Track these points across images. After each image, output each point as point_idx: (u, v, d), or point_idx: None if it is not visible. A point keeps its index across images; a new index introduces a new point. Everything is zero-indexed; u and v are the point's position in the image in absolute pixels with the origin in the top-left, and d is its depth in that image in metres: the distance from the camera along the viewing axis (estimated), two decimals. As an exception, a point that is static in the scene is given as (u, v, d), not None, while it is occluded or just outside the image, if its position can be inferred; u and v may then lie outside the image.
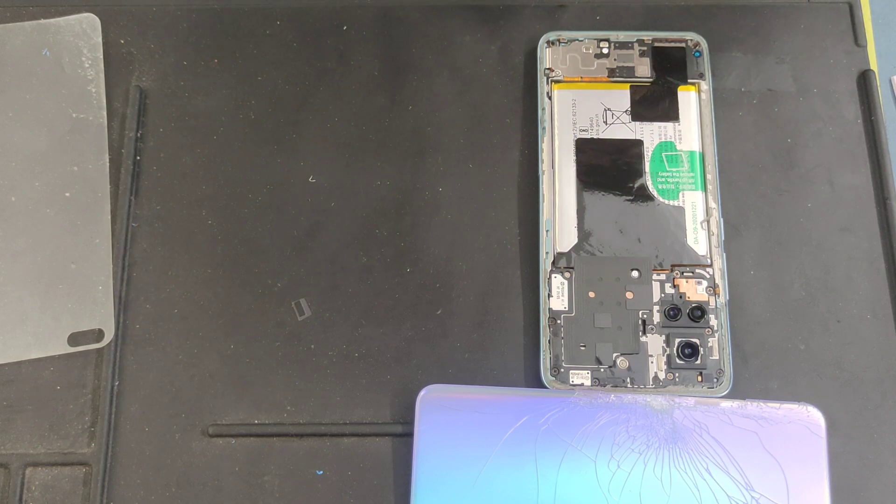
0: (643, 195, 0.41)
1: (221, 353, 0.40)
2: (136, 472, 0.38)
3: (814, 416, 0.37)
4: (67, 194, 0.42)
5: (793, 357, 0.40)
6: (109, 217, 0.41)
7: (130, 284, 0.41)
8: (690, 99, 0.42)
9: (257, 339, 0.40)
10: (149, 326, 0.40)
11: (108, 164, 0.42)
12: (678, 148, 0.41)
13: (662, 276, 0.40)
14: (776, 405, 0.37)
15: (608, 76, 0.42)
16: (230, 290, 0.40)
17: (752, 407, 0.37)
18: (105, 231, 0.41)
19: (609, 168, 0.41)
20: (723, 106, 0.43)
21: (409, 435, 0.37)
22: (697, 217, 0.40)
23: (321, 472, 0.38)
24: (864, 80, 0.43)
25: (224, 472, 0.38)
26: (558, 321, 0.39)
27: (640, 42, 0.43)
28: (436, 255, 0.41)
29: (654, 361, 0.39)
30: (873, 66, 0.44)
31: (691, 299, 0.39)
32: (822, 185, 0.42)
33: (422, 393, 0.37)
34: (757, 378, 0.39)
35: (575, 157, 0.41)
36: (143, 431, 0.39)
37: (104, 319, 0.40)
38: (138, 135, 0.43)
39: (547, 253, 0.40)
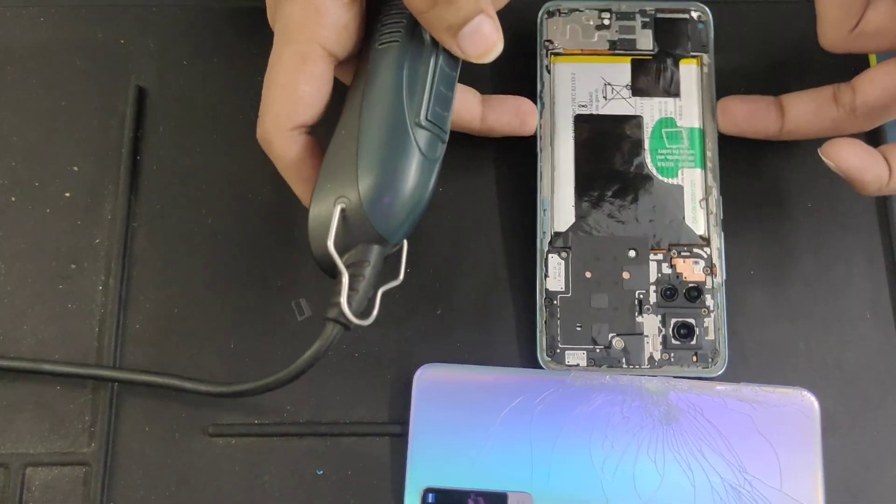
0: (642, 173, 0.40)
1: (221, 352, 0.40)
2: (136, 472, 0.38)
3: (808, 401, 0.37)
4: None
5: (792, 357, 0.40)
6: (109, 217, 0.41)
7: (130, 284, 0.41)
8: (692, 73, 0.41)
9: (257, 339, 0.40)
10: (149, 326, 0.40)
11: (108, 164, 0.42)
12: (679, 124, 0.41)
13: (660, 256, 0.39)
14: (770, 389, 0.37)
15: (609, 49, 0.42)
16: (230, 290, 0.40)
17: (747, 390, 0.37)
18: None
19: (608, 145, 0.41)
20: (723, 106, 0.43)
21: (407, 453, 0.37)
22: (696, 195, 0.40)
23: (321, 472, 0.38)
24: (864, 80, 0.43)
25: (224, 472, 0.38)
26: (555, 302, 0.39)
27: (643, 13, 0.42)
28: (436, 255, 0.41)
29: (650, 342, 0.39)
30: (873, 65, 0.44)
31: (688, 279, 0.39)
32: (822, 185, 0.42)
33: (418, 372, 0.37)
34: (757, 378, 0.39)
35: (573, 135, 0.41)
36: (143, 431, 0.39)
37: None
38: (138, 134, 0.43)
39: (544, 232, 0.40)
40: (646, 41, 0.42)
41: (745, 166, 0.42)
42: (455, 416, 0.37)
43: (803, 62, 0.43)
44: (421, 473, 0.36)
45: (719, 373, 0.38)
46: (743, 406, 0.37)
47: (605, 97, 0.41)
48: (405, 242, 0.35)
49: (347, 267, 0.33)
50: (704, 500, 0.36)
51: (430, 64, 0.34)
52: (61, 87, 0.43)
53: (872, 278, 0.41)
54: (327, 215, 0.33)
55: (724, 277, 0.39)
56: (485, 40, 0.33)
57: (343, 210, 0.33)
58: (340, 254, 0.33)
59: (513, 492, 0.36)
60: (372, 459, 0.38)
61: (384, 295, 0.34)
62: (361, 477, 0.38)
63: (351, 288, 0.33)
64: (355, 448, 0.38)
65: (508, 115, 0.39)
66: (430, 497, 0.36)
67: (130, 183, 0.42)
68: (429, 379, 0.37)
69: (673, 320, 0.39)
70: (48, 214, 0.41)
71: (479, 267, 0.41)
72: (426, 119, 0.33)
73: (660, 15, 0.42)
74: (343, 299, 0.32)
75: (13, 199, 0.42)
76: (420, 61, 0.34)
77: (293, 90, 0.34)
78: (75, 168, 0.42)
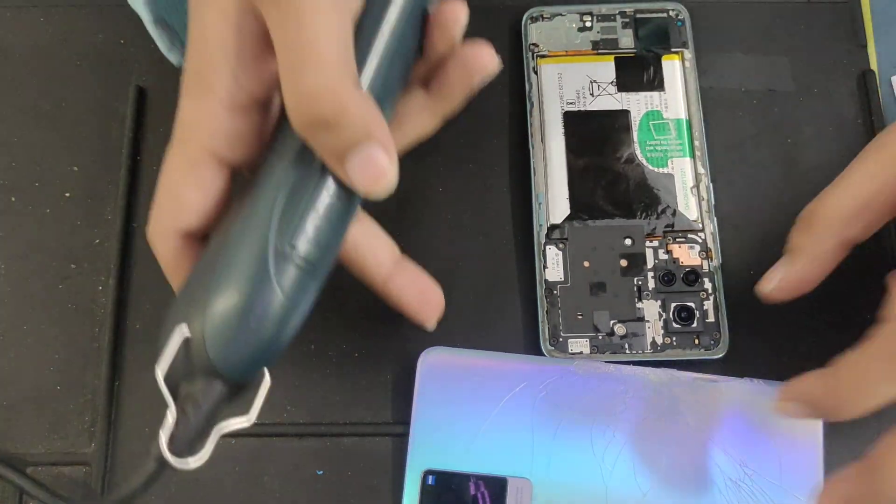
0: (632, 164, 0.41)
1: (221, 353, 0.39)
2: (136, 472, 0.38)
3: None
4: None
5: (793, 357, 0.39)
6: (109, 217, 0.41)
7: (130, 284, 0.40)
8: (675, 67, 0.42)
9: (257, 339, 0.40)
10: (149, 326, 0.40)
11: (108, 164, 0.42)
12: (665, 116, 0.42)
13: (655, 243, 0.40)
14: (775, 384, 0.37)
15: (592, 49, 0.43)
16: (230, 290, 0.40)
17: (751, 385, 0.37)
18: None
19: (598, 139, 0.42)
20: (723, 106, 0.43)
21: (409, 435, 0.37)
22: (687, 183, 0.41)
23: (321, 472, 0.38)
24: (864, 80, 0.43)
25: (224, 472, 0.38)
26: (555, 291, 0.39)
27: (623, 14, 0.43)
28: (434, 255, 0.41)
29: (651, 327, 0.39)
30: (873, 66, 0.44)
31: (685, 264, 0.40)
32: (822, 185, 0.42)
33: (423, 354, 0.38)
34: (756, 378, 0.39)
35: (563, 130, 0.41)
36: (143, 431, 0.39)
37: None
38: (138, 134, 0.43)
39: (541, 225, 0.40)
40: (627, 40, 0.43)
41: (743, 168, 0.42)
42: (458, 400, 0.37)
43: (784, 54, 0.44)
44: (422, 455, 0.36)
45: (722, 354, 0.38)
46: (746, 400, 0.37)
47: (591, 94, 0.42)
48: (267, 378, 0.30)
49: (180, 399, 0.29)
50: (704, 493, 0.36)
51: (314, 188, 0.29)
52: (61, 87, 0.43)
53: (872, 279, 0.40)
54: (166, 339, 0.29)
55: (720, 261, 0.40)
56: (374, 170, 0.29)
57: (184, 337, 0.29)
58: (177, 383, 0.29)
59: (513, 477, 0.36)
60: (372, 460, 0.38)
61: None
62: (361, 477, 0.38)
63: (178, 423, 0.29)
64: (355, 448, 0.38)
65: (414, 291, 0.34)
66: (430, 479, 0.36)
67: (130, 183, 0.42)
68: (433, 362, 0.38)
69: (673, 304, 0.39)
70: (48, 214, 0.41)
71: (478, 265, 0.41)
72: (296, 252, 0.29)
73: (639, 15, 0.43)
74: (162, 436, 0.29)
75: (13, 199, 0.42)
76: (304, 184, 0.29)
77: (178, 195, 0.31)
78: (75, 168, 0.42)
